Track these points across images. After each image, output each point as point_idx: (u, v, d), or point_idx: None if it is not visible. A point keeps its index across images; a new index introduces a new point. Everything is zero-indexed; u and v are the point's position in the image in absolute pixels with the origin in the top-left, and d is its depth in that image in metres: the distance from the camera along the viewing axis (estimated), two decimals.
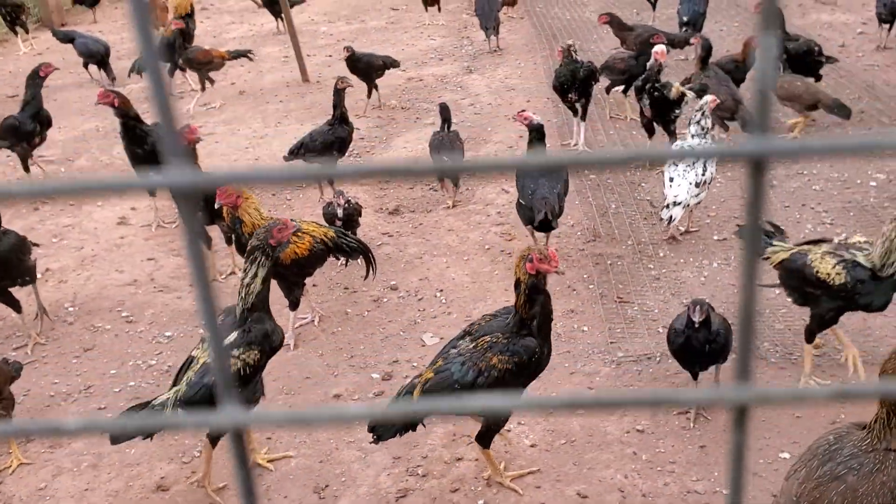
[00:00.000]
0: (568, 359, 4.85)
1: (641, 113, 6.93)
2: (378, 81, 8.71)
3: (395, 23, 12.13)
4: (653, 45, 6.94)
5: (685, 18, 9.15)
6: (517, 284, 3.67)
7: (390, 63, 8.73)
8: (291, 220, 4.35)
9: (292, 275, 5.04)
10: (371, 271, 5.34)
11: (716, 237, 5.95)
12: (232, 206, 4.82)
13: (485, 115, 8.49)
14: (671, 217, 5.67)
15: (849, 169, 6.68)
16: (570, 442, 4.28)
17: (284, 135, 8.24)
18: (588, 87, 7.24)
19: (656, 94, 6.61)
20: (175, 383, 3.86)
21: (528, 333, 3.68)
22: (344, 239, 5.18)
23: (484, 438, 3.91)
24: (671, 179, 5.69)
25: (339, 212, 5.66)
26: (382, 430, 3.72)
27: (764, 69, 0.47)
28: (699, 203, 5.85)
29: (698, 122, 5.79)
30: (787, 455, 4.04)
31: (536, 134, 5.75)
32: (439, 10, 11.68)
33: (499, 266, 5.86)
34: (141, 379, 5.01)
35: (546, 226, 5.51)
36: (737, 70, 7.21)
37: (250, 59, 9.44)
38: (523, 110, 6.01)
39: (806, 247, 4.41)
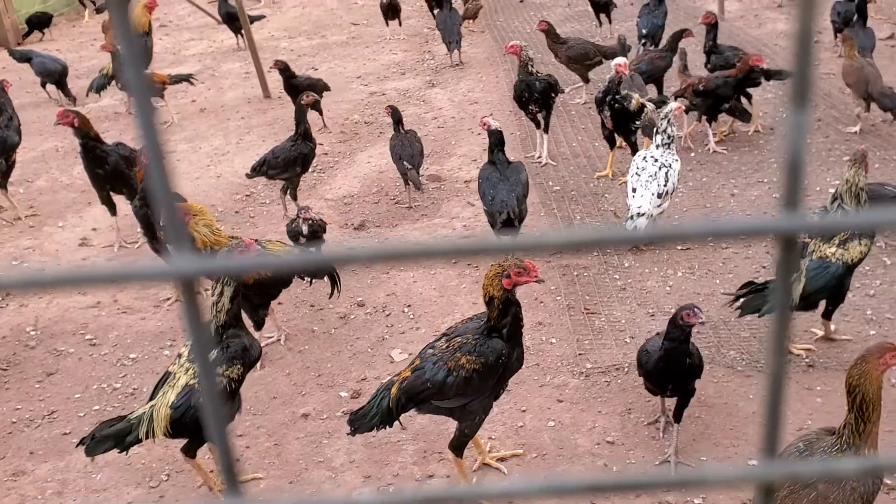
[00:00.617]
0: (537, 371, 4.86)
1: (603, 125, 6.99)
2: (341, 96, 8.69)
3: (356, 38, 12.13)
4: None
5: (644, 31, 9.24)
6: (490, 301, 3.70)
7: (321, 87, 8.57)
8: (256, 240, 4.33)
9: (256, 296, 5.00)
10: (336, 290, 5.32)
11: (679, 247, 6.00)
12: (181, 220, 4.77)
13: (448, 129, 8.50)
14: (636, 228, 5.70)
15: (808, 177, 6.78)
16: (542, 455, 4.28)
17: (246, 152, 8.19)
18: (548, 99, 7.29)
19: (616, 105, 6.67)
20: (152, 398, 3.89)
21: (497, 336, 3.76)
22: None
23: (457, 446, 3.93)
24: (634, 190, 5.74)
25: (304, 228, 5.63)
26: (360, 424, 3.81)
27: (794, 143, 0.46)
28: (662, 213, 5.90)
29: (664, 131, 5.84)
30: (755, 463, 4.07)
31: (495, 140, 5.82)
32: (399, 24, 11.71)
33: (466, 279, 5.86)
34: (106, 403, 4.94)
35: (509, 226, 5.55)
36: (725, 86, 7.14)
37: (192, 84, 9.34)
38: (484, 117, 6.09)
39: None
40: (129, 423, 3.77)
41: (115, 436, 3.74)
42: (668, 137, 5.84)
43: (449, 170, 7.57)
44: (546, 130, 7.49)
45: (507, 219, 5.51)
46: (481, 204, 5.89)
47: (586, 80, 8.87)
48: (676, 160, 5.87)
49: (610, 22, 10.75)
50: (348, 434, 3.96)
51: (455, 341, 3.79)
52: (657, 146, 5.89)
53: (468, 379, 3.71)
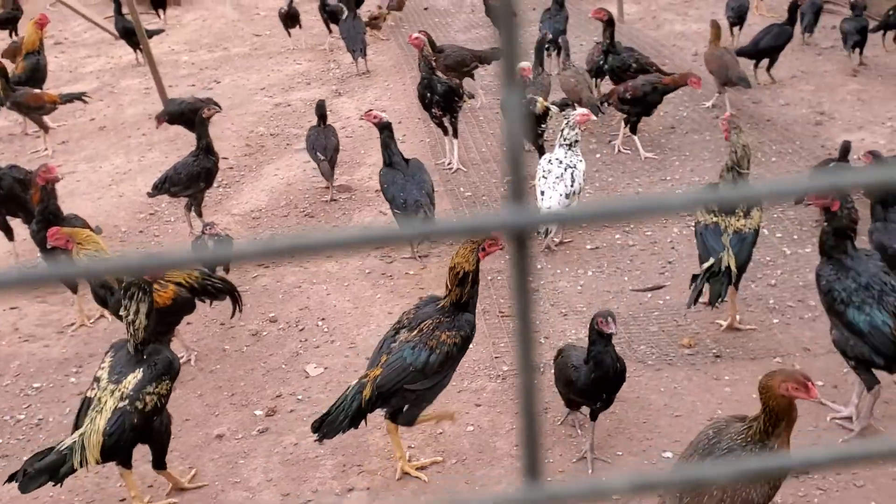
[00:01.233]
0: (455, 377, 4.86)
1: None
2: (246, 108, 8.57)
3: (258, 49, 11.99)
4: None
5: (549, 36, 9.38)
6: (464, 277, 3.98)
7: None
8: None
9: (158, 324, 4.85)
10: (237, 310, 5.23)
11: (588, 246, 6.10)
12: (63, 247, 4.66)
13: (357, 139, 8.47)
14: (547, 230, 5.79)
15: (709, 173, 6.98)
16: (462, 461, 4.30)
17: (149, 169, 8.00)
18: (451, 102, 7.31)
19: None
20: (77, 426, 3.83)
21: (465, 311, 4.06)
22: (209, 280, 5.04)
23: (410, 420, 4.08)
24: (542, 193, 5.82)
25: (210, 245, 5.53)
26: (328, 430, 3.88)
27: (511, 128, 0.46)
28: None
29: (564, 135, 5.93)
30: (669, 454, 4.17)
31: (387, 133, 5.89)
32: (300, 27, 11.54)
33: (380, 290, 5.85)
34: (9, 435, 4.76)
35: None
36: (654, 92, 7.21)
37: (85, 102, 9.08)
38: (370, 110, 6.12)
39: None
40: (60, 454, 3.69)
41: (49, 468, 3.66)
42: (565, 140, 5.92)
43: (359, 179, 7.55)
44: (455, 136, 7.54)
45: (425, 216, 5.61)
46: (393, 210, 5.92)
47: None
48: (581, 161, 5.97)
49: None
50: (316, 441, 4.03)
51: (425, 325, 3.99)
52: (559, 146, 5.97)
53: (449, 354, 3.96)
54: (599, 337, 3.90)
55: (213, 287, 5.06)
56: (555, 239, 6.12)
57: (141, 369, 3.85)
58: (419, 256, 6.11)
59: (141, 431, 3.86)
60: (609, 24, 7.97)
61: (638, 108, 7.22)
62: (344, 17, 10.39)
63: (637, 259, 5.90)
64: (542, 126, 6.84)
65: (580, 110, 6.23)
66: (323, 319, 5.56)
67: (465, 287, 4.00)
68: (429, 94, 7.28)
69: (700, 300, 4.83)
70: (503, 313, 5.44)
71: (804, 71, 8.93)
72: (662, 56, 9.56)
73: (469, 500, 0.47)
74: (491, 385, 4.81)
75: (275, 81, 10.43)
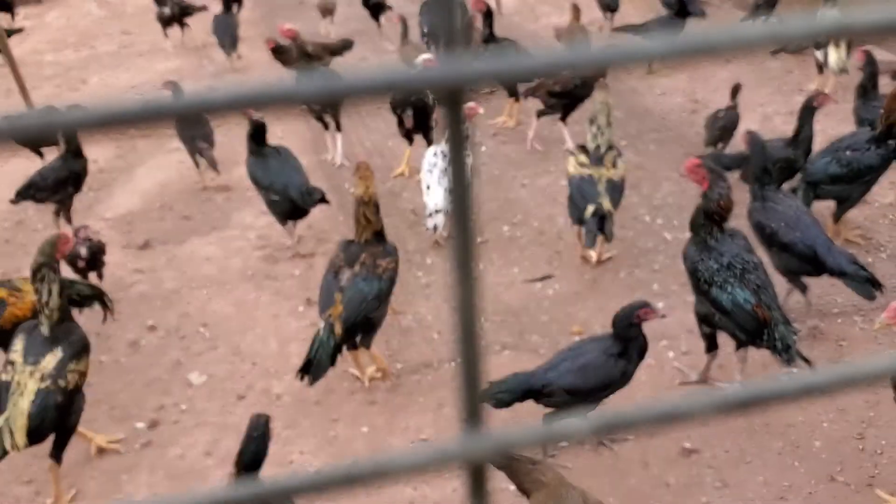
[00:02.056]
0: (346, 378, 4.78)
1: (400, 122, 6.96)
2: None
3: (127, 46, 11.54)
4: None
5: (426, 29, 9.38)
6: (377, 205, 4.53)
7: None
8: (9, 280, 4.24)
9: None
10: (109, 315, 4.99)
11: (479, 240, 6.10)
12: None
13: (233, 136, 8.24)
14: (436, 225, 5.76)
15: None
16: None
17: (13, 175, 7.57)
18: None
19: (419, 103, 6.69)
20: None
21: (383, 239, 4.58)
22: (72, 288, 4.71)
23: (366, 343, 4.51)
24: (428, 187, 5.78)
25: (83, 250, 5.25)
26: (316, 372, 4.22)
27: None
28: None
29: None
30: (565, 444, 4.19)
31: (258, 133, 5.84)
32: (181, 26, 11.16)
33: (264, 292, 5.69)
34: None
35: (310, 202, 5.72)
36: (583, 87, 7.11)
37: None
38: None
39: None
40: None
41: None
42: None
43: (238, 178, 7.33)
44: (338, 129, 7.41)
45: (320, 198, 5.70)
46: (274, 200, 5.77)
47: None
48: (468, 155, 5.95)
49: (379, 24, 10.76)
50: (307, 385, 4.27)
51: (363, 258, 4.40)
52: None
53: (391, 279, 4.44)
54: (632, 328, 3.89)
55: (79, 294, 4.79)
56: (444, 234, 6.10)
57: (59, 348, 3.85)
58: (302, 255, 5.99)
59: (66, 411, 3.85)
60: (488, 15, 7.99)
61: (566, 100, 7.22)
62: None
63: (526, 250, 5.94)
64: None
65: (468, 104, 6.22)
66: (205, 325, 5.37)
67: (378, 214, 4.49)
68: None
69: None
70: (394, 310, 5.37)
71: None
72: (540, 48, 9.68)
73: (405, 453, 0.42)
74: (384, 384, 4.74)
75: (146, 80, 10.06)
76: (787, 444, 4.13)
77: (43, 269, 3.92)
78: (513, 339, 4.98)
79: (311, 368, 4.24)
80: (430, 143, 6.89)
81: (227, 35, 9.87)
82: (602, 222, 5.20)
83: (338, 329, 4.24)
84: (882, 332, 4.27)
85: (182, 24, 10.99)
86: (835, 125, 7.29)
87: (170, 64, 10.67)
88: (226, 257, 6.15)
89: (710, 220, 4.25)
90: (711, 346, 4.43)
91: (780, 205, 4.79)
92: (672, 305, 5.20)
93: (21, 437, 3.70)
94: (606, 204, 5.25)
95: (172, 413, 4.63)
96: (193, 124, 6.70)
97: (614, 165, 5.46)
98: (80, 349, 3.93)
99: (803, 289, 4.81)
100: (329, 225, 6.36)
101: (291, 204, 5.66)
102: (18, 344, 3.89)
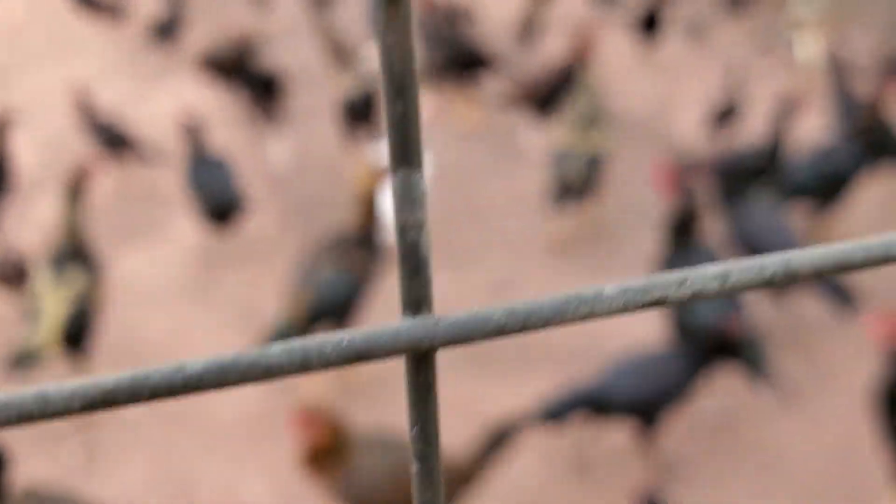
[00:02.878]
0: (294, 393, 4.76)
1: (350, 123, 7.00)
2: (45, 107, 8.09)
3: (57, 40, 11.40)
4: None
5: None
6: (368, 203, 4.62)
7: None
8: None
9: None
10: None
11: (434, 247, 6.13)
12: None
13: (172, 139, 8.17)
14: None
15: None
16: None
17: None
18: (272, 93, 7.22)
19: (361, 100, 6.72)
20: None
21: (371, 239, 4.74)
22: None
23: None
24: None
25: (5, 266, 5.17)
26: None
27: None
28: None
29: None
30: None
31: (195, 132, 5.95)
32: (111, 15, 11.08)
33: (202, 305, 5.64)
34: None
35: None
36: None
37: None
38: (185, 112, 5.97)
39: None
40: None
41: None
42: None
43: (172, 184, 7.28)
44: (279, 135, 7.39)
45: (236, 207, 5.79)
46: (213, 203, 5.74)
47: None
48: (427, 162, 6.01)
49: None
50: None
51: (339, 257, 4.58)
52: None
53: (368, 277, 4.61)
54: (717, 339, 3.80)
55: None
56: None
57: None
58: (241, 265, 5.95)
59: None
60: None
61: (543, 105, 7.31)
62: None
63: (488, 255, 5.96)
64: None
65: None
66: (139, 342, 5.31)
67: (370, 213, 4.60)
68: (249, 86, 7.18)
69: None
70: None
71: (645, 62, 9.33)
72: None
73: (351, 334, 0.42)
74: (333, 397, 4.73)
75: (81, 76, 9.94)
76: (759, 464, 4.20)
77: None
78: (473, 347, 5.00)
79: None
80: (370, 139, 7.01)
81: (167, 29, 9.81)
82: (572, 194, 5.63)
83: (299, 315, 4.43)
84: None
85: (115, 15, 10.89)
86: (812, 127, 7.44)
87: (105, 58, 10.55)
88: (160, 269, 6.08)
89: (680, 228, 4.32)
90: None
91: (753, 213, 4.88)
92: (637, 315, 5.26)
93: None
94: (577, 176, 5.65)
95: (107, 438, 4.57)
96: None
97: (594, 141, 5.85)
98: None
99: (777, 301, 4.89)
100: (272, 233, 6.33)
101: (215, 211, 5.75)
102: None
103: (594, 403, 3.77)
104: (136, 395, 0.29)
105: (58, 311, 4.32)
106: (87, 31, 11.29)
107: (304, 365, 0.28)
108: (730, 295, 0.30)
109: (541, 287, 5.61)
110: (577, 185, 5.66)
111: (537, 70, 7.16)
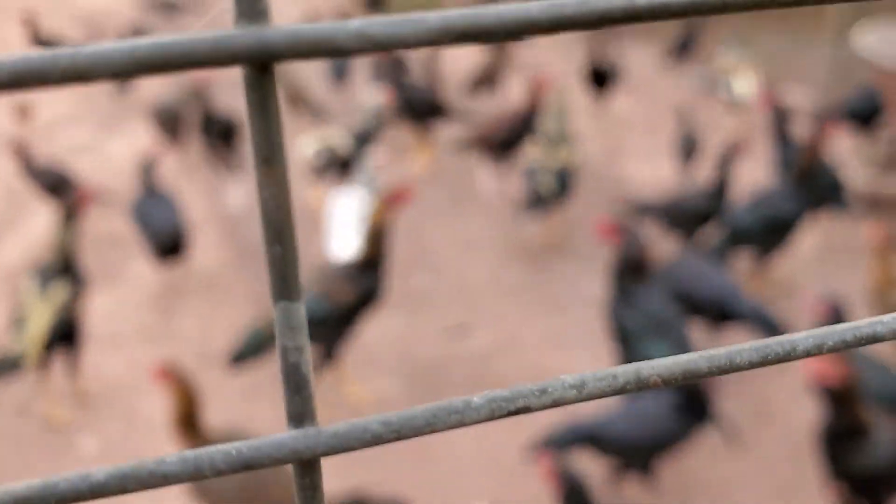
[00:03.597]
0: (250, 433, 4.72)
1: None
2: None
3: None
4: None
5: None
6: (377, 234, 4.63)
7: None
8: None
9: None
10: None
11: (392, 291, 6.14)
12: None
13: (127, 177, 8.14)
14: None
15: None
16: None
17: None
18: (231, 134, 7.24)
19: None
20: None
21: (374, 270, 4.74)
22: None
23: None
24: (339, 232, 5.82)
25: None
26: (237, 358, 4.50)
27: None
28: None
29: (364, 171, 6.00)
30: None
31: (148, 166, 6.01)
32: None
33: (160, 348, 5.60)
34: None
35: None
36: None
37: None
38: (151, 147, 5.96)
39: None
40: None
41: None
42: (366, 177, 6.00)
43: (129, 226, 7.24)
44: (236, 174, 7.40)
45: (177, 245, 5.87)
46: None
47: None
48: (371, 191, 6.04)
49: None
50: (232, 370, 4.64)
51: (329, 282, 4.60)
52: (358, 182, 6.04)
53: (342, 306, 4.56)
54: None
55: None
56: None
57: None
58: (197, 307, 5.93)
59: None
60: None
61: (503, 149, 7.43)
62: None
63: (441, 301, 5.99)
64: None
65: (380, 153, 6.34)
66: (97, 386, 5.25)
67: (379, 244, 4.58)
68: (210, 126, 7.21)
69: None
70: None
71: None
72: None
73: (245, 445, 0.42)
74: None
75: (40, 121, 9.87)
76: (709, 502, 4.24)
77: None
78: (428, 395, 5.01)
79: (239, 357, 4.50)
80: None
81: None
82: (543, 202, 6.21)
83: (270, 327, 4.50)
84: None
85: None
86: (753, 170, 7.61)
87: (61, 103, 10.49)
88: (119, 311, 6.03)
89: (626, 274, 4.39)
90: None
91: (688, 264, 4.97)
92: (589, 357, 5.32)
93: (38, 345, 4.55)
94: (547, 187, 6.23)
95: None
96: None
97: (564, 156, 6.39)
98: None
99: (712, 339, 4.97)
100: (228, 273, 6.32)
101: (158, 245, 5.84)
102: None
103: (591, 440, 3.88)
104: (46, 501, 0.32)
105: (42, 322, 4.52)
106: None
107: (196, 473, 0.30)
108: (586, 401, 0.33)
109: (498, 329, 5.65)
110: (547, 196, 6.21)
111: (495, 116, 7.27)
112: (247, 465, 0.30)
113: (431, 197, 7.52)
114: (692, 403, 3.82)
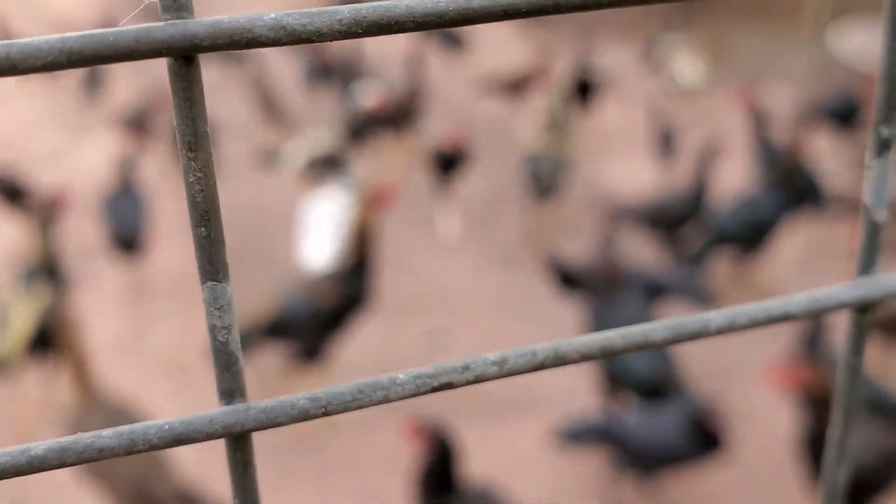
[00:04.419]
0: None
1: None
2: None
3: None
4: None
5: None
6: (363, 235, 4.70)
7: None
8: None
9: None
10: None
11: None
12: None
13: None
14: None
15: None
16: None
17: None
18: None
19: None
20: None
21: (360, 272, 4.82)
22: None
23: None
24: (313, 235, 5.84)
25: None
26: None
27: None
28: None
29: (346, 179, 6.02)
30: None
31: (123, 169, 6.10)
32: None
33: (138, 359, 5.58)
34: None
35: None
36: None
37: None
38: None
39: None
40: None
41: None
42: (344, 186, 6.01)
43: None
44: None
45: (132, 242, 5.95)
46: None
47: None
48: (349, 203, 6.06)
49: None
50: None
51: (316, 285, 4.69)
52: (335, 193, 6.05)
53: (327, 308, 4.62)
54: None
55: None
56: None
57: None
58: (166, 317, 5.92)
59: None
60: None
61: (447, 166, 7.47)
62: None
63: (420, 306, 6.01)
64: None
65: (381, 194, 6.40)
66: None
67: (364, 245, 4.65)
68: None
69: None
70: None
71: None
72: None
73: (170, 423, 0.43)
74: (263, 453, 4.71)
75: (9, 128, 9.84)
76: None
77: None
78: (408, 400, 5.03)
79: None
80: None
81: (95, 79, 9.77)
82: (542, 187, 6.63)
83: (259, 323, 4.58)
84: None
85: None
86: (733, 173, 7.68)
87: (34, 110, 10.46)
88: (92, 323, 6.01)
89: (601, 280, 4.42)
90: None
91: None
92: (563, 369, 5.35)
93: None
94: (546, 172, 6.68)
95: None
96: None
97: (562, 145, 6.90)
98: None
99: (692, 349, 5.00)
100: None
101: (117, 241, 5.91)
102: None
103: (607, 436, 3.96)
104: None
105: (25, 322, 4.65)
106: (13, 84, 11.20)
107: (131, 447, 0.32)
108: (507, 376, 0.35)
109: (477, 334, 5.68)
110: (546, 183, 6.59)
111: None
112: (179, 439, 0.32)
113: (410, 201, 7.55)
114: (704, 428, 3.85)
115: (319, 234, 5.84)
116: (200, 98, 0.30)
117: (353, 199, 6.03)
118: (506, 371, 0.35)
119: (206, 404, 5.03)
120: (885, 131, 0.37)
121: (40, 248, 4.93)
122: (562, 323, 5.76)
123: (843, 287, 0.40)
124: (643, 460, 3.93)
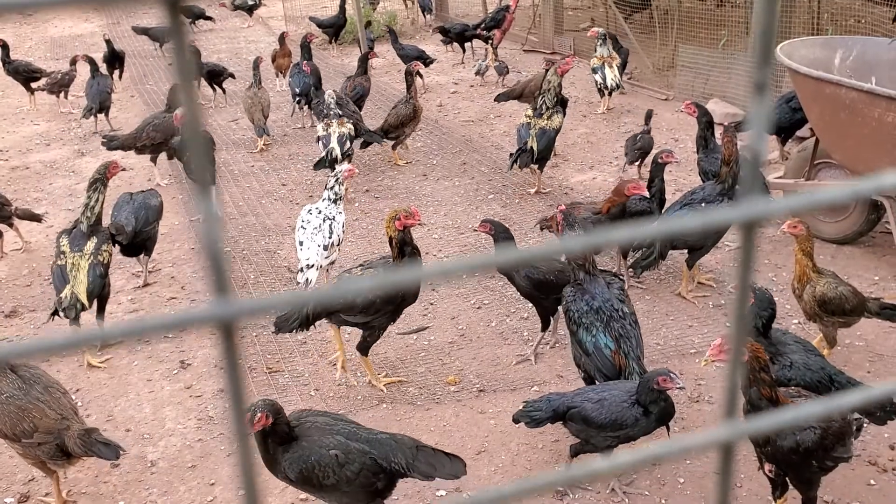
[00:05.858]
0: (223, 441, 4.73)
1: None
2: None
3: None
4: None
5: (297, 90, 9.56)
6: (390, 241, 4.78)
7: None
8: None
9: None
10: None
11: None
12: None
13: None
14: (308, 279, 5.78)
15: (461, 216, 7.30)
16: None
17: None
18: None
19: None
20: (58, 288, 5.31)
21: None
22: None
23: (363, 348, 4.97)
24: (301, 243, 5.83)
25: None
26: (282, 325, 4.81)
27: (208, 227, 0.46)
28: (332, 263, 6.01)
29: (331, 189, 6.00)
30: (443, 493, 4.27)
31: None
32: (66, 97, 10.91)
33: (137, 355, 5.58)
34: None
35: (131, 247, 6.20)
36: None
37: None
38: (115, 164, 6.03)
39: None
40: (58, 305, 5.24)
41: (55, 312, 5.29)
42: (334, 194, 5.99)
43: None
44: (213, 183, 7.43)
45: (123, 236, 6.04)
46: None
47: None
48: (341, 213, 6.03)
49: (224, 91, 10.95)
50: (273, 333, 4.93)
51: (368, 271, 4.80)
52: (324, 199, 6.03)
53: (372, 301, 4.70)
54: (653, 392, 3.83)
55: None
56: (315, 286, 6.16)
57: (93, 238, 5.44)
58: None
59: (105, 279, 5.42)
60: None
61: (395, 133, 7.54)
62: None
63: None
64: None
65: (346, 166, 6.34)
66: (77, 392, 5.23)
67: (392, 249, 4.77)
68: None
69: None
70: (270, 369, 5.37)
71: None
72: None
73: (162, 316, 0.46)
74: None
75: (10, 144, 9.80)
76: (653, 482, 4.30)
77: (97, 183, 5.59)
78: (390, 391, 5.06)
79: (278, 321, 4.85)
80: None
81: (96, 98, 9.75)
82: (528, 155, 7.31)
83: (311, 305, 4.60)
84: (708, 366, 4.48)
85: (59, 92, 10.78)
86: (685, 175, 7.77)
87: (36, 128, 10.43)
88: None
89: (575, 266, 4.46)
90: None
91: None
92: (540, 351, 5.39)
93: (84, 298, 5.25)
94: (532, 142, 7.32)
95: (43, 485, 4.47)
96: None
97: (549, 119, 7.45)
98: (106, 238, 5.52)
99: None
100: (198, 281, 6.32)
101: (115, 237, 5.94)
102: (63, 240, 5.44)
103: (562, 413, 4.02)
104: None
105: (84, 275, 5.28)
106: (20, 102, 11.14)
107: (139, 335, 0.37)
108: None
109: (454, 327, 5.71)
110: (526, 149, 7.28)
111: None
112: (179, 326, 0.36)
113: (388, 203, 7.58)
114: (646, 400, 3.87)
115: (310, 243, 5.82)
116: (187, 38, 0.34)
117: (339, 205, 6.03)
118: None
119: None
120: (758, 76, 0.42)
121: (92, 207, 5.45)
122: (532, 312, 5.80)
123: (733, 209, 0.45)
124: (598, 432, 3.96)
